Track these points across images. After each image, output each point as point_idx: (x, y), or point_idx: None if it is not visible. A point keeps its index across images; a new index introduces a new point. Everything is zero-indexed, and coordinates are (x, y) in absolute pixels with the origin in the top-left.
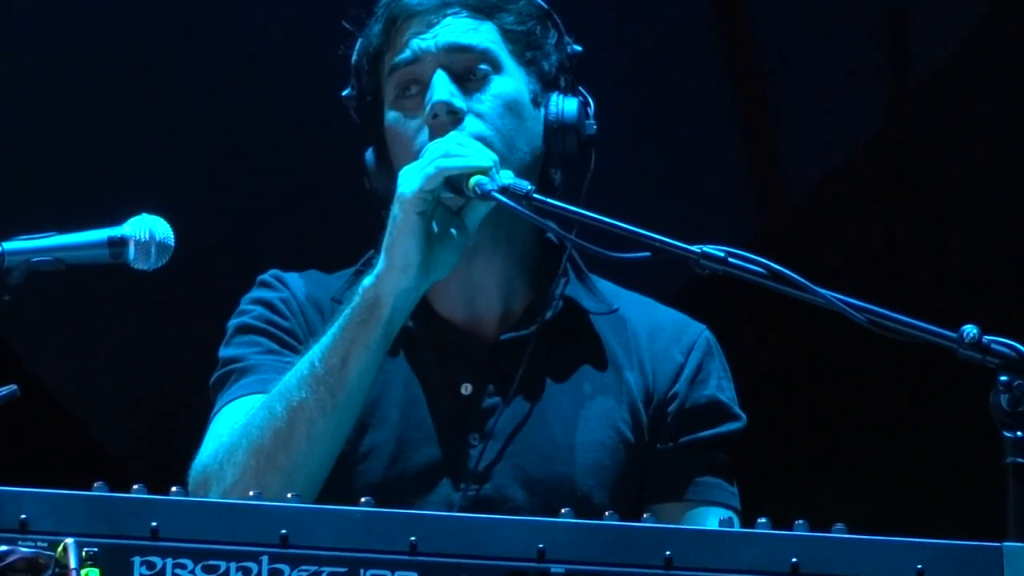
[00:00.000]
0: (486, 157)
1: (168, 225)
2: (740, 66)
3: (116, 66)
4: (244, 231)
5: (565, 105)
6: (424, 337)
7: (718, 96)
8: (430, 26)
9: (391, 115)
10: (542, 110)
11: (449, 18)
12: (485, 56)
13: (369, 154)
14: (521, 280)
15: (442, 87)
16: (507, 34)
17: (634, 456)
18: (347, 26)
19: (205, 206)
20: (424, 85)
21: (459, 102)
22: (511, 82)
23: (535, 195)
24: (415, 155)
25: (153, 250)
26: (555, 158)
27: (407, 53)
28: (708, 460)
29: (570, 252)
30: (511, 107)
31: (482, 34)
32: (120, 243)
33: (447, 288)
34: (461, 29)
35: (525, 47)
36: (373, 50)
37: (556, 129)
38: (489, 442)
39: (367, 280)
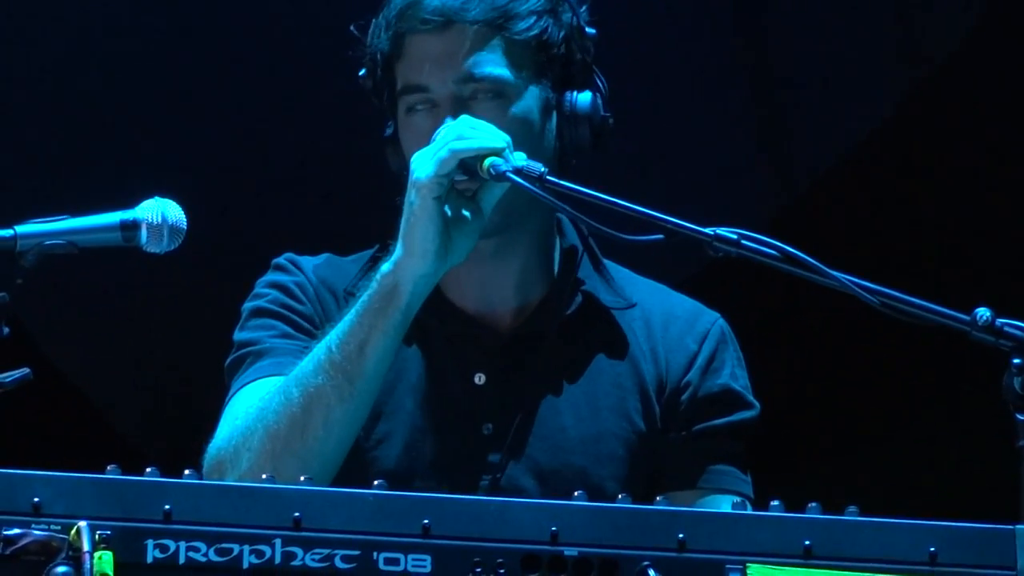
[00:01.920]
0: (499, 138)
1: (180, 208)
2: (754, 50)
3: (130, 50)
4: (258, 214)
5: (578, 103)
6: (438, 328)
7: (730, 80)
8: (437, 48)
9: (402, 130)
10: (554, 114)
11: (457, 39)
12: (494, 85)
13: (388, 131)
14: (536, 272)
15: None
16: (516, 46)
17: (646, 445)
18: (354, 31)
19: (219, 189)
20: (433, 103)
21: None
22: (521, 105)
23: (549, 177)
24: None
25: (165, 233)
26: (570, 151)
27: (415, 83)
28: (721, 448)
29: (588, 244)
30: (521, 130)
31: (490, 58)
32: (132, 226)
33: (462, 280)
34: (469, 56)
35: (537, 51)
36: (384, 54)
37: (570, 126)
38: (502, 432)
39: (385, 266)
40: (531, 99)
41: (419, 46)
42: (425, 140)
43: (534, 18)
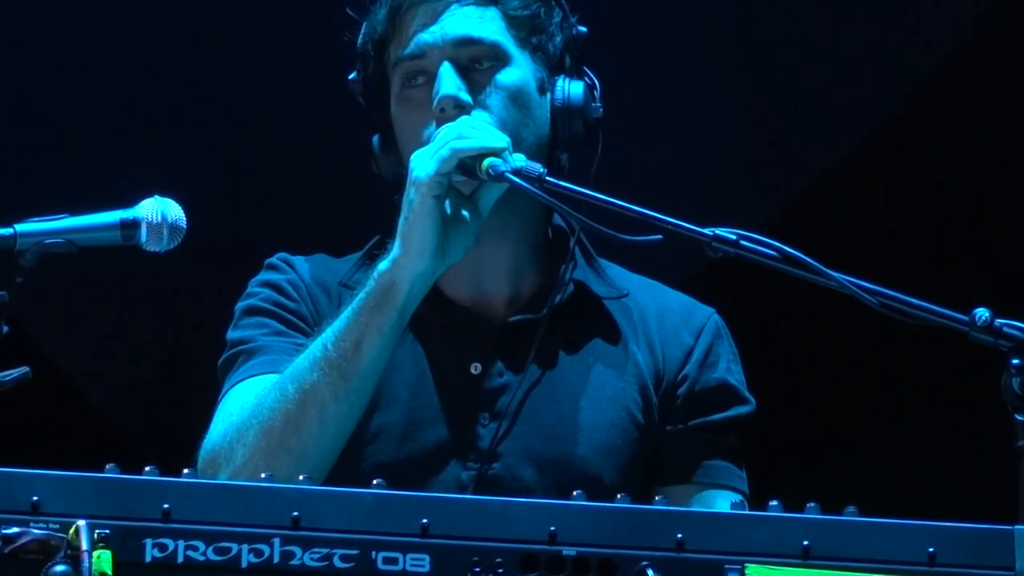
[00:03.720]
0: (499, 139)
1: (180, 207)
2: (753, 50)
3: (129, 50)
4: (257, 213)
5: (571, 89)
6: (433, 318)
7: (729, 80)
8: (435, 16)
9: (397, 106)
10: (548, 96)
11: (454, 6)
12: (491, 48)
13: (376, 139)
14: (530, 264)
15: (449, 81)
16: (512, 20)
17: (644, 438)
18: (351, 13)
19: (218, 188)
20: (430, 76)
21: (465, 95)
22: (517, 72)
23: (547, 177)
24: (421, 145)
25: (165, 232)
26: (562, 142)
27: (412, 48)
28: (717, 443)
29: (579, 236)
30: (517, 98)
31: (487, 24)
32: (132, 225)
33: (456, 271)
34: (466, 20)
35: (530, 32)
36: (378, 37)
37: (563, 113)
38: (499, 421)
39: (382, 265)
40: (527, 70)
41: (414, 16)
42: (421, 112)
43: (529, 0)
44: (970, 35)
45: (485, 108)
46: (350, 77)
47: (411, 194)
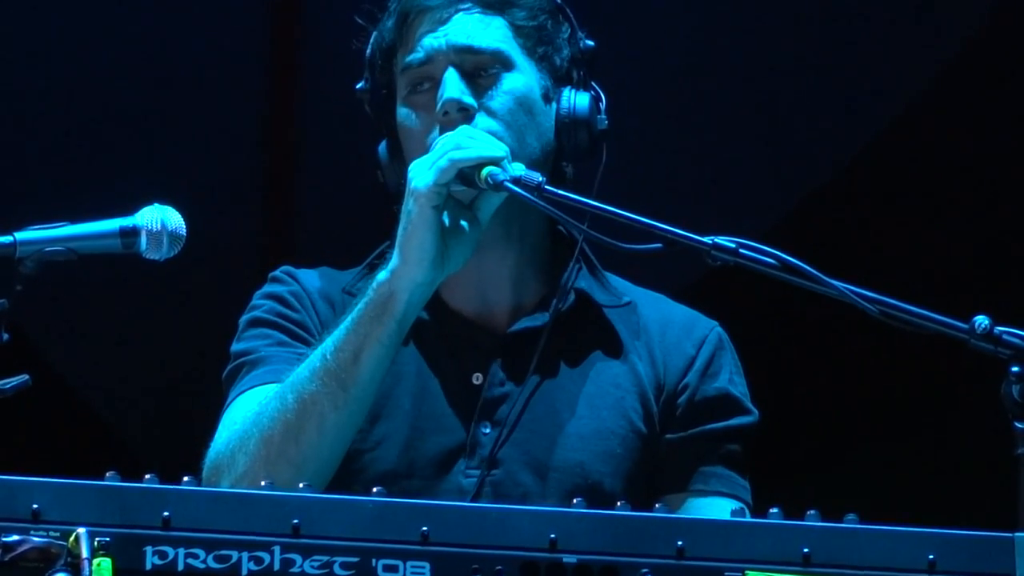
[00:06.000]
0: (498, 148)
1: (180, 215)
2: (754, 58)
3: (130, 58)
4: (260, 223)
5: (577, 100)
6: (435, 328)
7: (730, 87)
8: (441, 23)
9: (403, 111)
10: (553, 105)
11: (460, 15)
12: (496, 55)
13: (382, 148)
14: (533, 274)
15: (453, 85)
16: (518, 30)
17: (646, 447)
18: (360, 21)
19: (219, 197)
20: (435, 82)
21: (469, 99)
22: (522, 78)
23: (547, 187)
24: (427, 151)
25: (165, 240)
26: (567, 152)
27: (419, 52)
28: (717, 451)
29: (581, 246)
30: (522, 103)
31: (492, 32)
32: (132, 233)
33: (458, 281)
34: (472, 27)
35: (536, 43)
36: (386, 45)
37: (568, 124)
38: (500, 430)
39: (381, 275)
40: (532, 79)
41: (421, 23)
42: (426, 116)
43: (536, 12)
44: (971, 45)
45: (490, 112)
46: (358, 87)
47: (409, 204)
